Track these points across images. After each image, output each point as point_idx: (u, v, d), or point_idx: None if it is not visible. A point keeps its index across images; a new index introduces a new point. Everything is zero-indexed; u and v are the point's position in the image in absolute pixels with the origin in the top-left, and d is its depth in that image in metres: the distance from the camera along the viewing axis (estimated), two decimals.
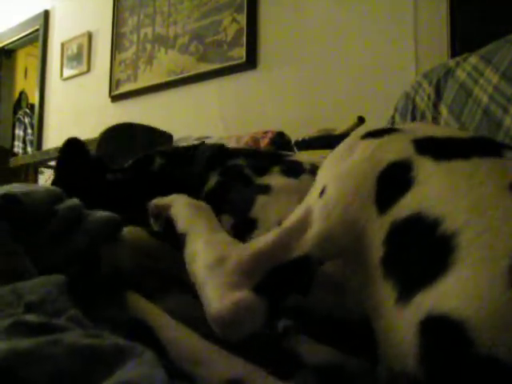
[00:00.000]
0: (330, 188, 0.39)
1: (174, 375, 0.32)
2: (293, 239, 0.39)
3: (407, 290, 0.30)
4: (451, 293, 0.28)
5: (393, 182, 0.36)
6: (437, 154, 0.36)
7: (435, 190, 0.33)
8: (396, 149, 0.38)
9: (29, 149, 5.02)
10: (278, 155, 0.73)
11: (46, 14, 4.20)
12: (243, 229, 0.58)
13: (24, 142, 5.14)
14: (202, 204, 0.55)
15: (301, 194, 0.45)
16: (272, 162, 0.68)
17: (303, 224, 0.40)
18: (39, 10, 4.26)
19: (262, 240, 0.41)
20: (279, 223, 0.43)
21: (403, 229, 0.33)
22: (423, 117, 1.08)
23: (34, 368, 0.23)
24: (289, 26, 2.56)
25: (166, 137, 2.16)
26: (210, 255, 0.42)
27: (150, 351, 0.26)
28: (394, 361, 0.31)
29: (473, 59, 1.00)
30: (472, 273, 0.28)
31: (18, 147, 5.10)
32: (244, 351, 0.39)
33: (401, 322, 0.30)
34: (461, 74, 1.01)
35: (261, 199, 0.60)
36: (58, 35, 4.08)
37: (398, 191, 0.35)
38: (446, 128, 0.85)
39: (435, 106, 1.05)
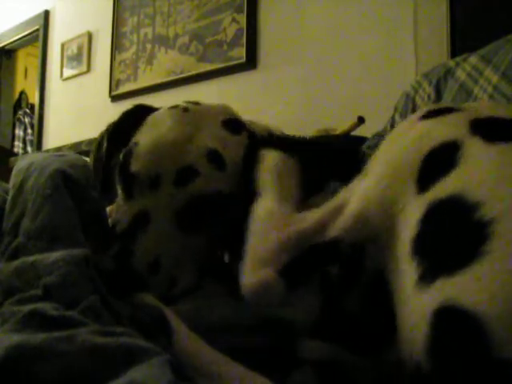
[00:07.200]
0: (375, 170, 0.38)
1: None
2: (331, 220, 0.40)
3: (430, 273, 0.29)
4: (474, 286, 0.26)
5: (438, 161, 0.34)
6: (490, 135, 0.33)
7: (480, 173, 0.31)
8: (449, 129, 0.36)
9: (29, 149, 5.01)
10: None
11: (46, 14, 4.20)
12: None
13: (24, 141, 5.13)
14: (287, 168, 0.58)
15: None
16: None
17: (343, 205, 0.40)
18: (39, 10, 4.26)
19: (310, 216, 0.43)
20: None
21: (440, 209, 0.31)
22: None
23: (44, 364, 0.23)
24: (289, 26, 2.56)
25: None
26: (269, 223, 0.46)
27: (164, 354, 0.26)
28: (405, 345, 0.29)
29: (473, 59, 1.00)
30: (500, 268, 0.26)
31: (17, 147, 5.10)
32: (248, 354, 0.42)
33: (417, 306, 0.29)
34: (461, 74, 1.00)
35: None
36: (57, 35, 4.08)
37: (441, 171, 0.33)
38: None
39: None
